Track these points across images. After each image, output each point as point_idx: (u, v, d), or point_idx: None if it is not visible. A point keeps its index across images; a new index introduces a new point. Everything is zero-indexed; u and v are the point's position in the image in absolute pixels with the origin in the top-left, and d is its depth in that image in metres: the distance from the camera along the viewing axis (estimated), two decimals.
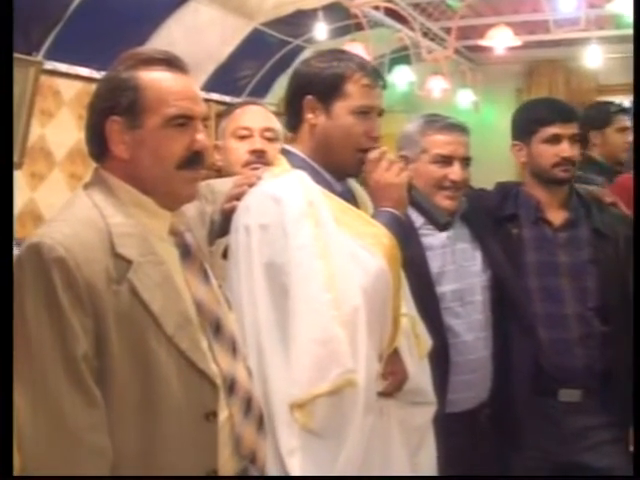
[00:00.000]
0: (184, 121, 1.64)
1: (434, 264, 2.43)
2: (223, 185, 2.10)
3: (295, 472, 1.75)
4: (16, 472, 1.45)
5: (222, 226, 2.02)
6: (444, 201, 2.47)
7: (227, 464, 1.64)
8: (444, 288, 2.43)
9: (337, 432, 1.78)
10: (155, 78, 1.64)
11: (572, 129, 2.61)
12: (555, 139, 2.59)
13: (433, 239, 2.47)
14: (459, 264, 2.48)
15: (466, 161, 2.50)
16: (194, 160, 1.66)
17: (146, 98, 1.62)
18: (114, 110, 1.62)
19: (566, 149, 2.58)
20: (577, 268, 2.58)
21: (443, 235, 2.48)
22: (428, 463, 2.07)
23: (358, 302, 1.83)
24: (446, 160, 2.47)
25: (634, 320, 2.24)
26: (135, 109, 1.61)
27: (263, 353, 1.82)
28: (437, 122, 2.51)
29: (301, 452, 1.76)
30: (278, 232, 1.86)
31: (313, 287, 1.81)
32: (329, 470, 1.76)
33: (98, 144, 1.66)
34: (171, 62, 1.67)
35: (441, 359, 2.29)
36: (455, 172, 2.46)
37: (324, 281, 1.81)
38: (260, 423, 1.74)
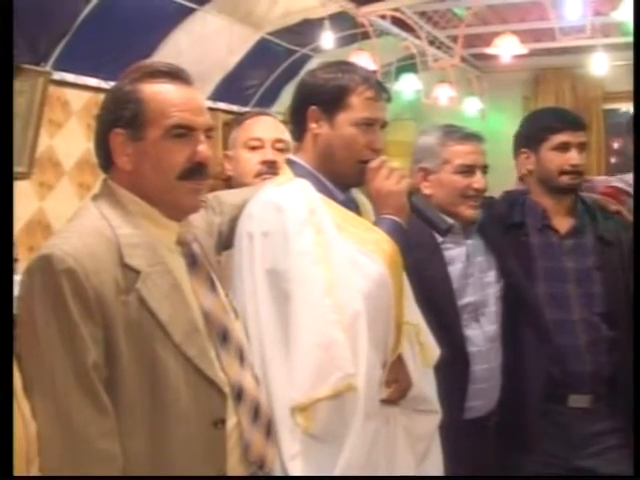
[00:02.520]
0: (184, 132, 1.65)
1: (455, 278, 2.45)
2: (231, 196, 2.11)
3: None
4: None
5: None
6: (468, 210, 2.49)
7: (235, 470, 1.65)
8: (464, 301, 2.45)
9: (338, 436, 1.79)
10: (157, 91, 1.66)
11: (581, 137, 2.64)
12: (564, 147, 2.61)
13: (454, 252, 2.48)
14: (477, 276, 2.50)
15: (485, 169, 2.53)
16: (196, 171, 1.67)
17: (148, 110, 1.64)
18: (118, 123, 1.64)
19: (575, 157, 2.61)
20: (583, 274, 2.59)
21: (463, 249, 2.50)
22: (434, 471, 2.07)
23: (359, 307, 1.83)
24: (469, 169, 2.48)
25: (634, 324, 2.25)
26: (137, 121, 1.63)
27: (266, 359, 1.83)
28: (456, 132, 2.53)
29: (302, 457, 1.77)
30: (280, 239, 1.87)
31: (314, 292, 1.82)
32: (329, 475, 1.77)
33: (105, 156, 1.69)
34: (175, 74, 1.69)
35: (461, 370, 2.33)
36: (478, 181, 2.48)
37: (325, 286, 1.82)
38: (268, 429, 1.75)
